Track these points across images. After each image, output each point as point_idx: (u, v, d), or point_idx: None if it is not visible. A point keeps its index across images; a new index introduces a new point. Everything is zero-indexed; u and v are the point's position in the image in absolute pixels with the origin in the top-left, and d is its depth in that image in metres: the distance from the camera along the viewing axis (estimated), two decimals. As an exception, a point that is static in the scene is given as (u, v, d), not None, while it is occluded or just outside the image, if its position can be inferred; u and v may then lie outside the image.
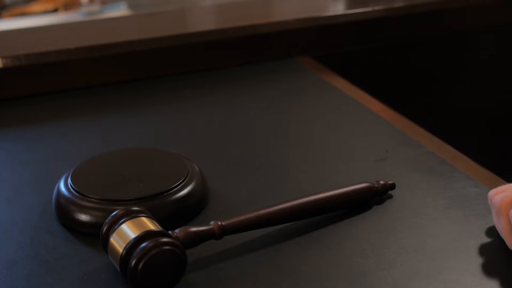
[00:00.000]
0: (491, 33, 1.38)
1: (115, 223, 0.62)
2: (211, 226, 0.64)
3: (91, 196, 0.69)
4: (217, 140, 0.91)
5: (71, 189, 0.71)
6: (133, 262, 0.57)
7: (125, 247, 0.59)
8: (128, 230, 0.60)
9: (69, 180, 0.72)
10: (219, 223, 0.64)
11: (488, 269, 0.61)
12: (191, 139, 0.92)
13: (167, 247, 0.58)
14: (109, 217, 0.63)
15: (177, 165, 0.75)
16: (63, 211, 0.70)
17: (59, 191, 0.72)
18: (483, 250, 0.64)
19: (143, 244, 0.58)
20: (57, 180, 0.74)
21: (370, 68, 1.30)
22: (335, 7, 1.30)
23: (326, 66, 1.18)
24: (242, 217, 0.66)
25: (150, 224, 0.62)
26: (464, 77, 1.39)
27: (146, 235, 0.59)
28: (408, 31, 1.31)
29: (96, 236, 0.66)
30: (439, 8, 1.32)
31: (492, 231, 0.68)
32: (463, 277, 0.60)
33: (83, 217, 0.68)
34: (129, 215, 0.62)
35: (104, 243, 0.62)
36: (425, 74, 1.36)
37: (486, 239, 0.66)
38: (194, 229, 0.63)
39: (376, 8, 1.27)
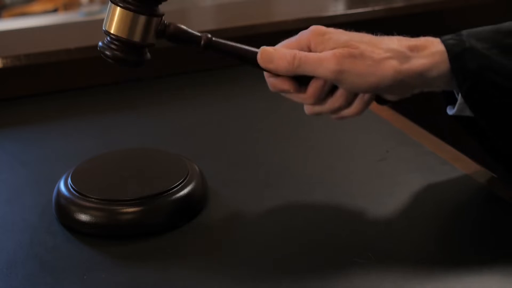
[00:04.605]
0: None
1: None
2: (200, 35, 0.68)
3: (91, 196, 0.69)
4: (217, 140, 0.91)
5: (71, 189, 0.71)
6: None
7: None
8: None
9: (69, 180, 0.72)
10: (209, 35, 0.69)
11: (488, 269, 0.61)
12: (191, 139, 0.92)
13: None
14: None
15: (177, 165, 0.75)
16: (63, 211, 0.70)
17: (59, 191, 0.72)
18: (483, 250, 0.64)
19: None
20: (57, 180, 0.74)
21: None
22: (335, 7, 1.30)
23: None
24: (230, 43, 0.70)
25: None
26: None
27: None
28: (408, 31, 1.31)
29: (96, 236, 0.66)
30: (439, 8, 1.32)
31: (493, 231, 0.68)
32: (463, 277, 0.60)
33: (83, 217, 0.68)
34: None
35: None
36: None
37: (486, 239, 0.66)
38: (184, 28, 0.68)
39: (376, 8, 1.27)
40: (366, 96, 0.68)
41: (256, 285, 0.61)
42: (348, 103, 0.68)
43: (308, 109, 0.70)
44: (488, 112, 0.67)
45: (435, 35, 0.62)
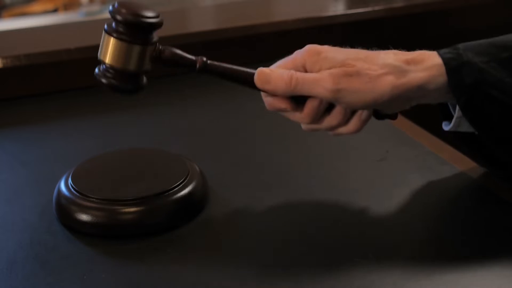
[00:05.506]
0: (492, 32, 1.38)
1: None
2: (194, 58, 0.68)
3: (92, 196, 0.69)
4: (217, 140, 0.91)
5: (72, 189, 0.71)
6: None
7: None
8: None
9: (70, 180, 0.72)
10: (204, 59, 0.68)
11: (488, 269, 0.61)
12: (191, 139, 0.92)
13: None
14: None
15: (177, 165, 0.75)
16: (63, 211, 0.70)
17: (59, 191, 0.72)
18: (483, 250, 0.64)
19: None
20: (57, 180, 0.74)
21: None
22: (335, 7, 1.30)
23: (326, 66, 1.18)
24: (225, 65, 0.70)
25: None
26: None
27: None
28: (408, 31, 1.31)
29: (96, 236, 0.66)
30: (439, 8, 1.32)
31: (492, 231, 0.68)
32: (463, 277, 0.60)
33: (84, 217, 0.68)
34: None
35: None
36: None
37: (486, 240, 0.66)
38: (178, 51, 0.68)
39: (376, 8, 1.27)
40: (364, 114, 0.68)
41: (256, 285, 0.61)
42: (345, 120, 0.68)
43: (305, 126, 0.70)
44: (486, 125, 0.67)
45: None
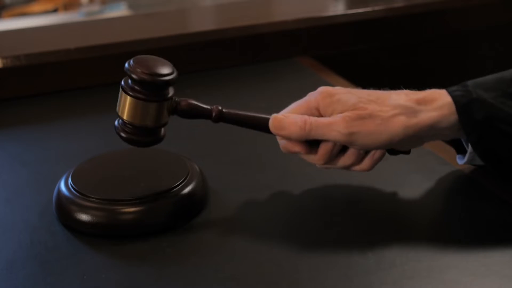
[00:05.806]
0: (492, 32, 1.38)
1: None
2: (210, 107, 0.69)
3: (92, 196, 0.69)
4: (217, 140, 0.91)
5: (72, 189, 0.71)
6: None
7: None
8: None
9: (70, 180, 0.72)
10: (219, 108, 0.69)
11: (488, 269, 0.61)
12: (191, 139, 0.92)
13: None
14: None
15: (177, 165, 0.75)
16: (63, 211, 0.70)
17: (59, 191, 0.72)
18: (483, 250, 0.64)
19: None
20: (57, 180, 0.74)
21: (370, 68, 1.30)
22: (335, 7, 1.30)
23: (326, 66, 1.18)
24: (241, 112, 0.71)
25: None
26: (465, 77, 1.39)
27: None
28: (408, 31, 1.31)
29: (96, 236, 0.66)
30: (439, 8, 1.32)
31: (492, 231, 0.68)
32: (463, 277, 0.60)
33: (84, 217, 0.68)
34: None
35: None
36: (425, 74, 1.37)
37: (486, 239, 0.66)
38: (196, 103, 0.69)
39: (376, 8, 1.27)
40: (377, 153, 0.70)
41: (256, 286, 0.61)
42: (359, 160, 0.70)
43: (319, 166, 0.71)
44: (498, 160, 0.68)
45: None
